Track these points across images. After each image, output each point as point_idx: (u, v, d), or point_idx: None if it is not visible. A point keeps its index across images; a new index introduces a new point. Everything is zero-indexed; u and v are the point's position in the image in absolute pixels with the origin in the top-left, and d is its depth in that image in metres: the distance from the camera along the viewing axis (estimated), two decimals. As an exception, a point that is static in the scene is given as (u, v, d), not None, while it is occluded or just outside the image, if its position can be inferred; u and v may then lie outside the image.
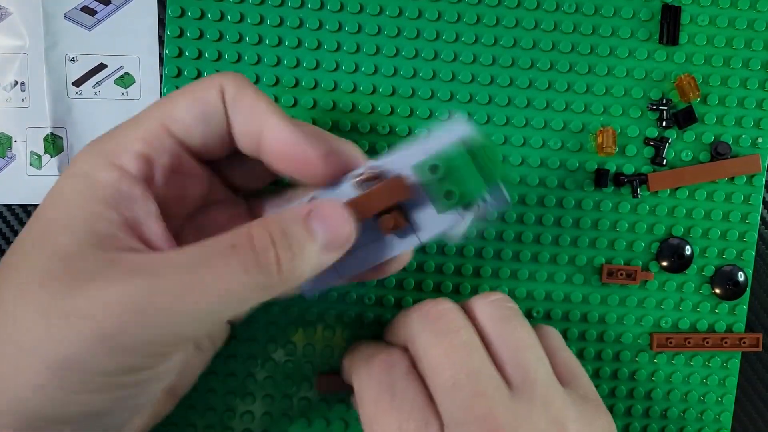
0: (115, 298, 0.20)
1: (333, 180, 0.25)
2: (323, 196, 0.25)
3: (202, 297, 0.20)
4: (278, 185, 0.31)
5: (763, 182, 0.34)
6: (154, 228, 0.23)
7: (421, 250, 0.34)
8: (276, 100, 0.33)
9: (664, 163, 0.34)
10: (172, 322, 0.20)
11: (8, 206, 0.34)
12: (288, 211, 0.22)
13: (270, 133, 0.24)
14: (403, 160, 0.24)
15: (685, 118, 0.34)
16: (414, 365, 0.26)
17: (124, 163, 0.23)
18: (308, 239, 0.22)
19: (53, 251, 0.21)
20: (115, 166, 0.22)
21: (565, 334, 0.34)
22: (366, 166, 0.25)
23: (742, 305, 0.35)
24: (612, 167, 0.34)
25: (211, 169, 0.27)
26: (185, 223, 0.26)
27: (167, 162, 0.24)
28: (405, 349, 0.27)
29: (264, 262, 0.21)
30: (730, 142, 0.34)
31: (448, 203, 0.23)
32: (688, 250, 0.34)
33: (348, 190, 0.25)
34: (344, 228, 0.23)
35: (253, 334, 0.33)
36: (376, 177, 0.24)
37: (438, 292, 0.34)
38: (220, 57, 0.33)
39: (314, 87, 0.33)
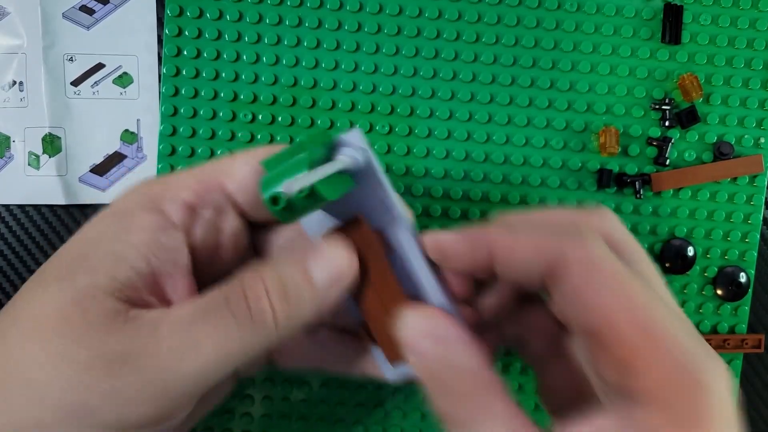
0: (116, 355, 0.20)
1: None
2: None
3: (199, 357, 0.20)
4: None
5: (766, 182, 0.34)
6: (179, 284, 0.22)
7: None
8: (274, 99, 0.33)
9: (667, 163, 0.34)
10: (171, 382, 0.20)
11: (6, 207, 0.33)
12: (283, 257, 0.22)
13: None
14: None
15: (688, 117, 0.34)
16: None
17: (167, 208, 0.22)
18: (306, 283, 0.21)
19: (71, 292, 0.20)
20: (157, 210, 0.22)
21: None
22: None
23: (744, 306, 0.34)
24: (615, 167, 0.34)
25: (253, 243, 0.26)
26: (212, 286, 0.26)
27: (211, 216, 0.23)
28: None
29: (258, 316, 0.20)
30: (732, 142, 0.34)
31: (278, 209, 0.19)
32: (690, 251, 0.34)
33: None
34: (344, 263, 0.21)
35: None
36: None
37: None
38: (218, 56, 0.33)
39: (313, 86, 0.33)
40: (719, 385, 0.18)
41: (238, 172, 0.23)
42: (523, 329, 0.24)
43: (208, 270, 0.24)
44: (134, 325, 0.20)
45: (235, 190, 0.23)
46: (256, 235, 0.26)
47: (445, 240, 0.21)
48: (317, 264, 0.21)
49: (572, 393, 0.22)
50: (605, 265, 0.19)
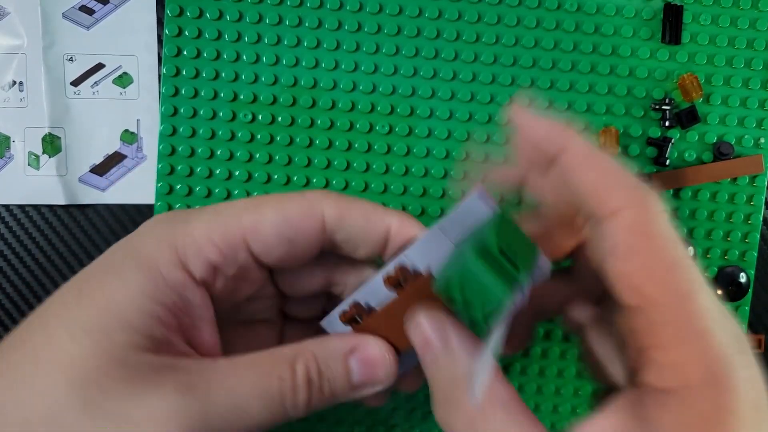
0: (167, 413, 0.20)
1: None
2: (358, 296, 0.24)
3: (241, 427, 0.21)
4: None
5: (766, 183, 0.34)
6: (207, 335, 0.23)
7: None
8: (274, 99, 0.33)
9: (667, 163, 0.34)
10: None
11: (6, 207, 0.33)
12: (332, 343, 0.23)
13: (400, 231, 0.24)
14: (428, 254, 0.22)
15: (688, 117, 0.34)
16: None
17: (192, 266, 0.22)
18: (344, 381, 0.22)
19: (108, 349, 0.20)
20: (183, 268, 0.22)
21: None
22: (395, 263, 0.23)
23: (744, 306, 0.34)
24: (614, 167, 0.34)
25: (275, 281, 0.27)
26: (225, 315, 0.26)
27: (233, 273, 0.23)
28: None
29: (298, 403, 0.22)
30: (732, 142, 0.34)
31: (477, 330, 0.21)
32: (690, 251, 0.34)
33: (380, 288, 0.23)
34: (382, 373, 0.23)
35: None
36: (404, 274, 0.23)
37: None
38: (218, 56, 0.33)
39: (313, 86, 0.33)
40: (746, 390, 0.17)
41: (264, 233, 0.23)
42: (560, 299, 0.24)
43: (224, 306, 0.24)
44: (184, 384, 0.21)
45: (261, 251, 0.23)
46: (280, 275, 0.26)
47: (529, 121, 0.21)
48: (358, 366, 0.22)
49: (614, 361, 0.22)
50: (658, 238, 0.18)
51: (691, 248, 0.34)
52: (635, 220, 0.18)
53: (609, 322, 0.22)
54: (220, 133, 0.33)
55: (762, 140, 0.34)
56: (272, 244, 0.23)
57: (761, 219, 0.34)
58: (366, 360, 0.22)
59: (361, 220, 0.24)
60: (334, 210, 0.23)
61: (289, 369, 0.21)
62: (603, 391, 0.23)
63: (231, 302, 0.25)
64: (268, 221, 0.23)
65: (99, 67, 0.33)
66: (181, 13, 0.32)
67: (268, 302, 0.27)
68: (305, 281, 0.26)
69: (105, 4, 0.33)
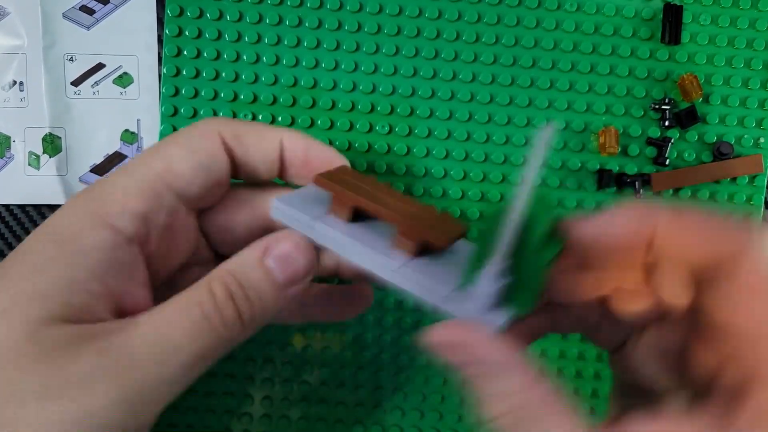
0: (90, 376, 0.19)
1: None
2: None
3: (177, 366, 0.20)
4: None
5: (765, 182, 0.34)
6: (139, 298, 0.22)
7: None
8: (274, 99, 0.33)
9: (667, 163, 0.34)
10: (149, 394, 0.20)
11: (7, 206, 0.33)
12: (243, 253, 0.22)
13: (291, 143, 0.25)
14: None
15: (687, 117, 0.34)
16: None
17: (120, 224, 0.22)
18: (268, 284, 0.22)
19: (22, 325, 0.20)
20: (110, 228, 0.22)
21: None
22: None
23: (745, 306, 0.34)
24: (614, 167, 0.34)
25: (200, 231, 0.26)
26: (166, 281, 0.25)
27: (164, 220, 0.23)
28: None
29: (227, 319, 0.21)
30: (732, 142, 0.34)
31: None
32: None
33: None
34: (303, 262, 0.22)
35: (252, 336, 0.33)
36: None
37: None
38: (218, 56, 0.33)
39: (313, 86, 0.33)
40: None
41: (182, 169, 0.23)
42: (592, 315, 0.24)
43: (163, 269, 0.24)
44: (103, 345, 0.20)
45: (182, 186, 0.23)
46: (202, 219, 0.26)
47: (606, 220, 0.21)
48: (276, 263, 0.22)
49: (636, 387, 0.23)
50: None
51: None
52: (748, 274, 0.19)
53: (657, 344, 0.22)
54: (220, 133, 0.33)
55: (761, 140, 0.34)
56: (190, 177, 0.23)
57: (761, 219, 0.34)
58: (281, 256, 0.22)
59: (255, 135, 0.25)
60: (228, 129, 0.24)
61: (207, 292, 0.21)
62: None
63: (168, 267, 0.24)
64: (178, 156, 0.23)
65: (99, 67, 0.33)
66: (182, 13, 0.32)
67: (206, 270, 0.26)
68: (235, 223, 0.26)
69: (105, 4, 0.33)
